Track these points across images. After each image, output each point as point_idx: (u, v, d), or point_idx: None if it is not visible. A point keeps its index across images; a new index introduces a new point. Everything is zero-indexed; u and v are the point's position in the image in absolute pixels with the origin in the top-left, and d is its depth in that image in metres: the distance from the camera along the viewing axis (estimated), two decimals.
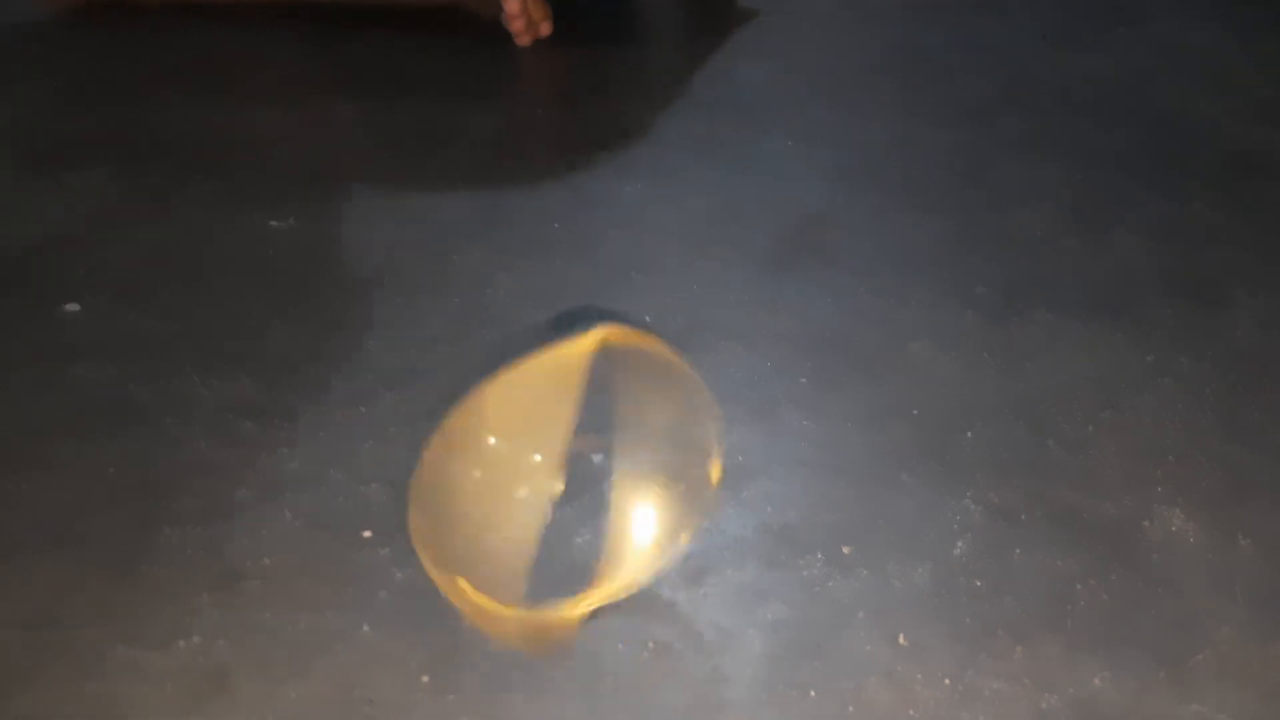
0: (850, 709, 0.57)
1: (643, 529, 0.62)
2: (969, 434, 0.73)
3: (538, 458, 0.54)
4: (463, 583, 0.55)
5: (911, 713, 0.57)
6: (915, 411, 0.76)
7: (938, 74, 1.21)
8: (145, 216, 0.96)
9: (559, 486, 0.56)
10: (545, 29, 1.26)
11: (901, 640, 0.60)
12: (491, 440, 0.54)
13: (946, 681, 0.58)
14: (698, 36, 1.28)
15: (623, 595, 0.61)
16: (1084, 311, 0.85)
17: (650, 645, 0.60)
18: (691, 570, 0.65)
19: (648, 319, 0.84)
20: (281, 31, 1.28)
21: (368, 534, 0.66)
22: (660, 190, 1.00)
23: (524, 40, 1.25)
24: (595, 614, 0.61)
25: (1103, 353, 0.81)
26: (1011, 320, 0.84)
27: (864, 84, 1.19)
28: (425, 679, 0.58)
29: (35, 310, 0.84)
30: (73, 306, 0.84)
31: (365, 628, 0.61)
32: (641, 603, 0.63)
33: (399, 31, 1.27)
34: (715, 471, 0.62)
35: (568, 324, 0.82)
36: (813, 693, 0.58)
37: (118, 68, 1.20)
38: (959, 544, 0.66)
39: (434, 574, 0.55)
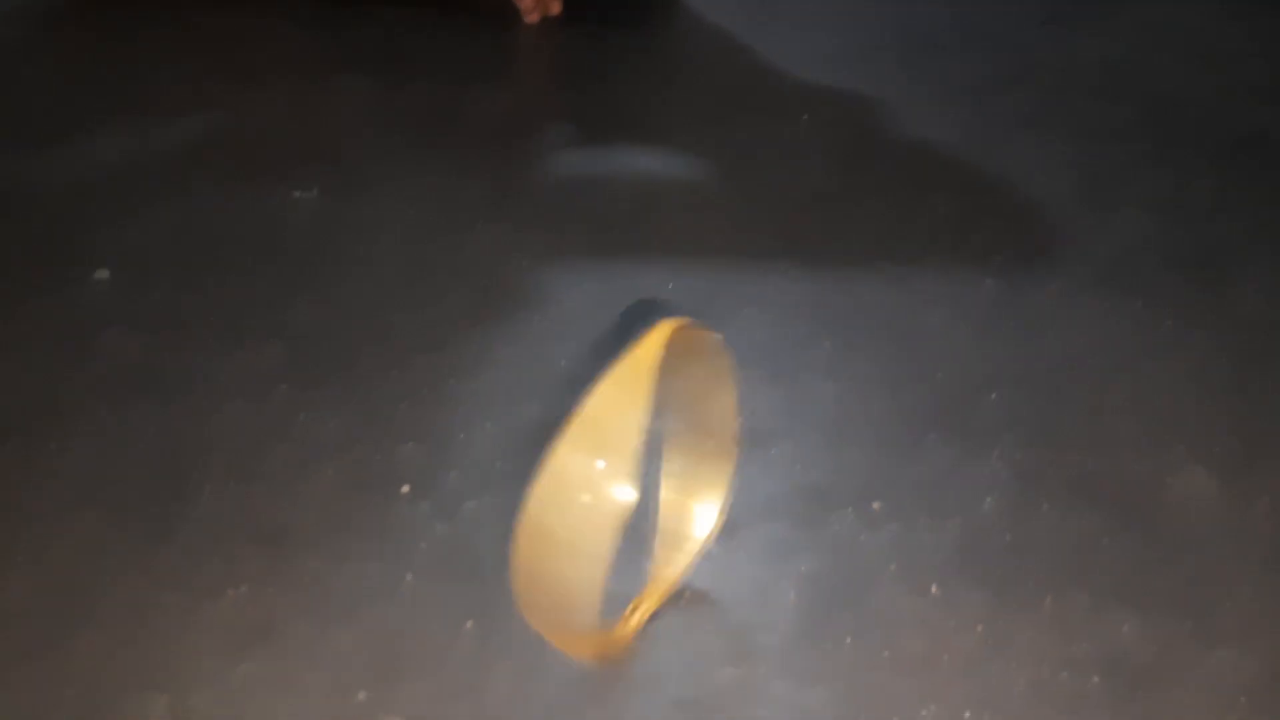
0: (885, 654, 0.58)
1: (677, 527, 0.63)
2: (992, 396, 0.75)
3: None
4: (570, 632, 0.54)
5: (945, 658, 0.58)
6: (938, 375, 0.77)
7: (940, 54, 1.22)
8: (164, 190, 0.97)
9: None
10: (555, 7, 1.26)
11: (933, 591, 0.62)
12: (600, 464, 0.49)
13: (979, 629, 0.60)
14: (705, 18, 1.30)
15: (668, 595, 0.61)
16: (1097, 283, 0.86)
17: (686, 595, 0.62)
18: (725, 525, 0.66)
19: (670, 286, 0.85)
20: (286, 10, 1.28)
21: (406, 489, 0.67)
22: (671, 166, 1.02)
23: (532, 18, 1.25)
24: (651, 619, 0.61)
25: (1116, 323, 0.82)
26: (1027, 291, 0.85)
27: (868, 63, 1.21)
28: (469, 625, 0.59)
29: (62, 281, 0.85)
30: (102, 273, 0.85)
31: (409, 577, 0.62)
32: None
33: (403, 10, 1.27)
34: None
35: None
36: (848, 640, 0.59)
37: (125, 44, 1.21)
38: (987, 500, 0.67)
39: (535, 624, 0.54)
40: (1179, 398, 0.75)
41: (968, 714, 0.55)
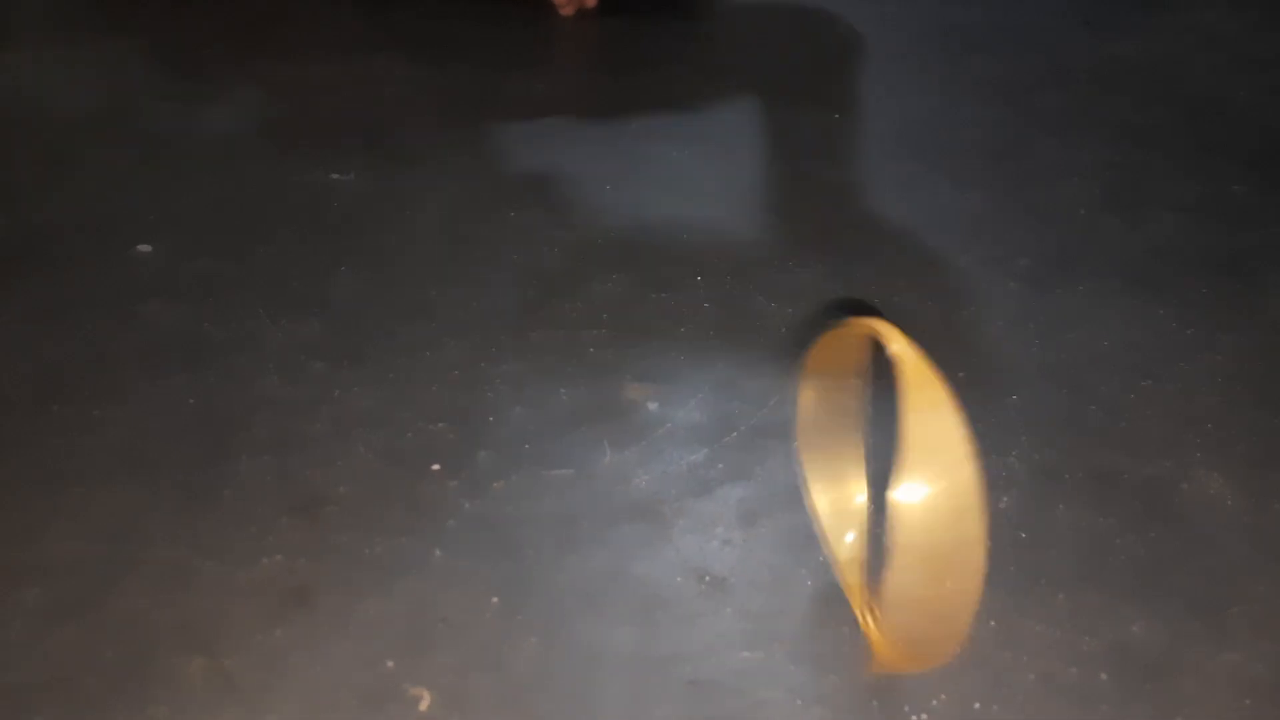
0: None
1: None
2: (1013, 396, 0.76)
3: None
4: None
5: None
6: (960, 374, 0.78)
7: (977, 53, 1.23)
8: (209, 164, 0.99)
9: None
10: (590, 0, 1.27)
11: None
12: None
13: (991, 623, 0.61)
14: (741, 11, 1.30)
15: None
16: (1124, 286, 0.87)
17: (706, 579, 0.63)
18: (746, 513, 0.67)
19: (699, 278, 0.87)
20: None
21: (436, 467, 0.69)
22: (706, 157, 1.03)
23: (566, 11, 1.26)
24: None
25: (1143, 325, 0.83)
26: (1054, 291, 0.86)
27: (905, 60, 1.22)
28: (494, 600, 0.61)
29: (107, 251, 0.87)
30: (144, 247, 0.87)
31: (437, 552, 0.64)
32: (697, 543, 0.65)
33: None
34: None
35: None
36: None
37: (173, 22, 1.23)
38: (1004, 498, 0.68)
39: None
40: (1201, 401, 0.76)
41: (977, 705, 0.57)
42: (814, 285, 0.86)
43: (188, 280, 0.84)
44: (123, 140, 1.02)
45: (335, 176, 0.97)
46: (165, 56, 1.16)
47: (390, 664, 0.58)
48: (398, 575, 0.62)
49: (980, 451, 0.71)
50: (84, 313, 0.81)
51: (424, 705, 0.56)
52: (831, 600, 0.62)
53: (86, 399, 0.74)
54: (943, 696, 0.57)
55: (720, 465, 0.71)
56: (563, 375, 0.77)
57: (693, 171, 1.00)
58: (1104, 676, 0.58)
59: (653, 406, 0.75)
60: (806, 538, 0.65)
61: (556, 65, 1.19)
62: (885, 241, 0.92)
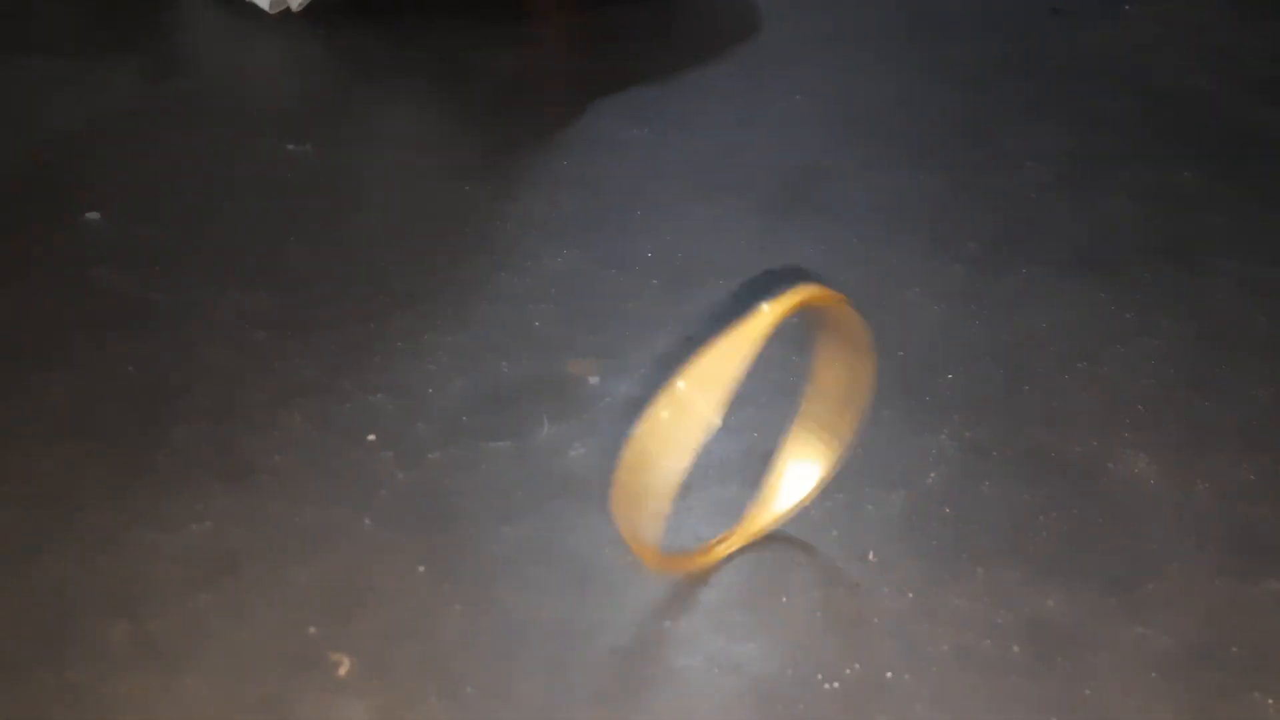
0: (818, 614, 0.61)
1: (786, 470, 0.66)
2: (949, 376, 0.77)
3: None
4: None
5: (875, 621, 0.60)
6: (900, 353, 0.79)
7: (945, 37, 1.23)
8: (165, 131, 0.99)
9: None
10: None
11: (870, 557, 0.64)
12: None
13: (910, 595, 0.62)
14: None
15: (753, 538, 0.65)
16: (1070, 269, 0.88)
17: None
18: (681, 487, 0.68)
19: (649, 255, 0.87)
20: None
21: (372, 438, 0.70)
22: (666, 135, 1.03)
23: None
24: (733, 556, 0.64)
25: (1084, 308, 0.84)
26: (1000, 274, 0.87)
27: (872, 43, 1.22)
28: (421, 569, 0.62)
29: (56, 215, 0.88)
30: (93, 215, 0.88)
31: (367, 521, 0.64)
32: None
33: None
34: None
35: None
36: (784, 598, 0.61)
37: None
38: (932, 475, 0.69)
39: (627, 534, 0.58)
40: (1134, 383, 0.77)
41: (889, 674, 0.58)
42: (759, 264, 0.87)
43: (136, 248, 0.85)
44: (74, 104, 1.02)
45: (292, 148, 0.98)
46: (122, 23, 1.16)
47: (313, 630, 0.59)
48: (327, 543, 0.63)
49: (913, 428, 0.73)
50: (29, 278, 0.82)
51: (343, 671, 0.57)
52: (754, 572, 0.63)
53: (26, 363, 0.74)
54: (856, 666, 0.58)
55: None
56: (506, 349, 0.78)
57: (650, 149, 1.01)
58: (1016, 649, 0.59)
59: (594, 381, 0.76)
60: (735, 509, 0.66)
61: (523, 43, 1.19)
62: (837, 222, 0.92)
